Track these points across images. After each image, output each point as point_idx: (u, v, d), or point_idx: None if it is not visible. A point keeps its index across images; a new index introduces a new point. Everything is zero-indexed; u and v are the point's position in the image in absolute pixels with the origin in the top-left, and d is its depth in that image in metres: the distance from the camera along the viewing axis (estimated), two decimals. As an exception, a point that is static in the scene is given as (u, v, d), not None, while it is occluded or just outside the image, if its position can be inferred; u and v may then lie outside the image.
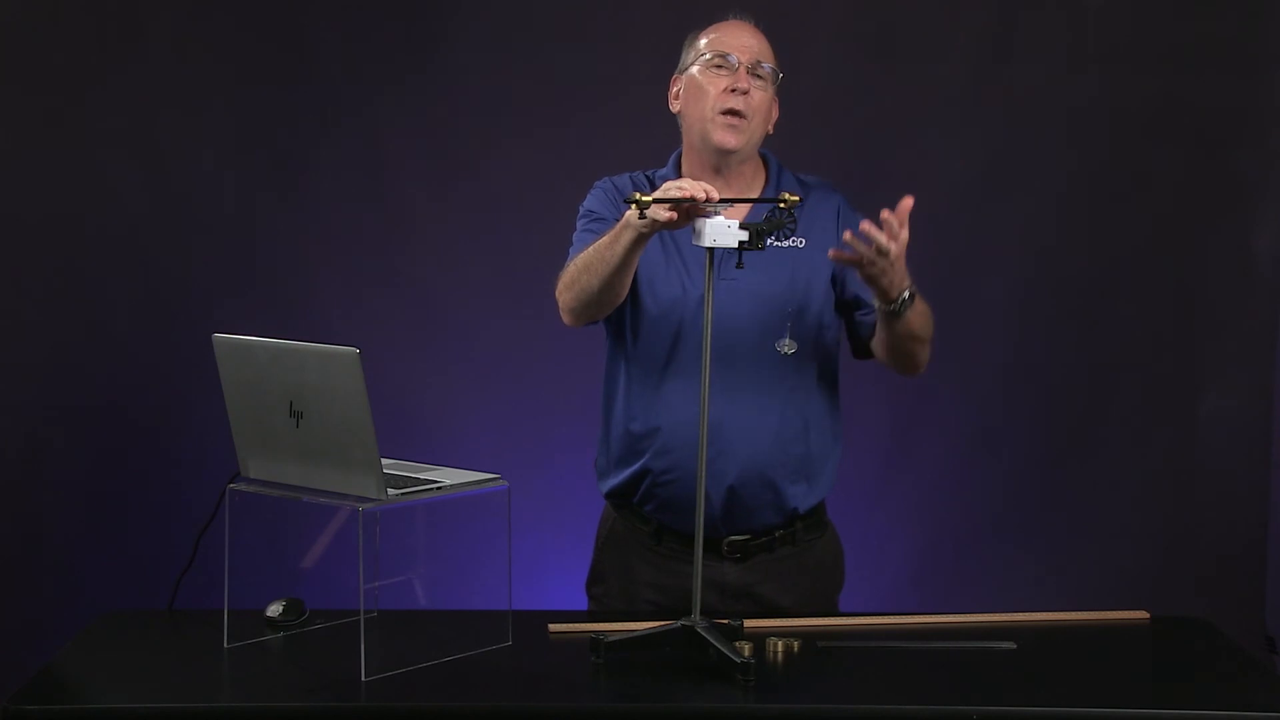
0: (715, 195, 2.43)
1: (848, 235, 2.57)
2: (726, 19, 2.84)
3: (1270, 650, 4.00)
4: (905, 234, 2.55)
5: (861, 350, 2.86)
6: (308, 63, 3.99)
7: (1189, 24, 4.01)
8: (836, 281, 2.80)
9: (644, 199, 2.41)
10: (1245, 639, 3.51)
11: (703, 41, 2.82)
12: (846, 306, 2.83)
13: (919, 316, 2.68)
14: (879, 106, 3.99)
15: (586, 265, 2.65)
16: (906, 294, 2.62)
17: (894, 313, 2.64)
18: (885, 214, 2.54)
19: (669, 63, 2.81)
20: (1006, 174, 4.05)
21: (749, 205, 2.67)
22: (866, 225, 2.54)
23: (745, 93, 2.75)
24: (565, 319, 2.76)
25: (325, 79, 3.99)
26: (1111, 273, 4.08)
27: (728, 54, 2.77)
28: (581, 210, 2.86)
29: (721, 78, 2.76)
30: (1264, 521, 4.09)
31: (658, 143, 2.91)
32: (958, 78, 4.03)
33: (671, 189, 2.45)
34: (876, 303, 2.67)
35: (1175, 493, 4.12)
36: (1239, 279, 4.08)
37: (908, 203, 2.54)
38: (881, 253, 2.52)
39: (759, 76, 2.77)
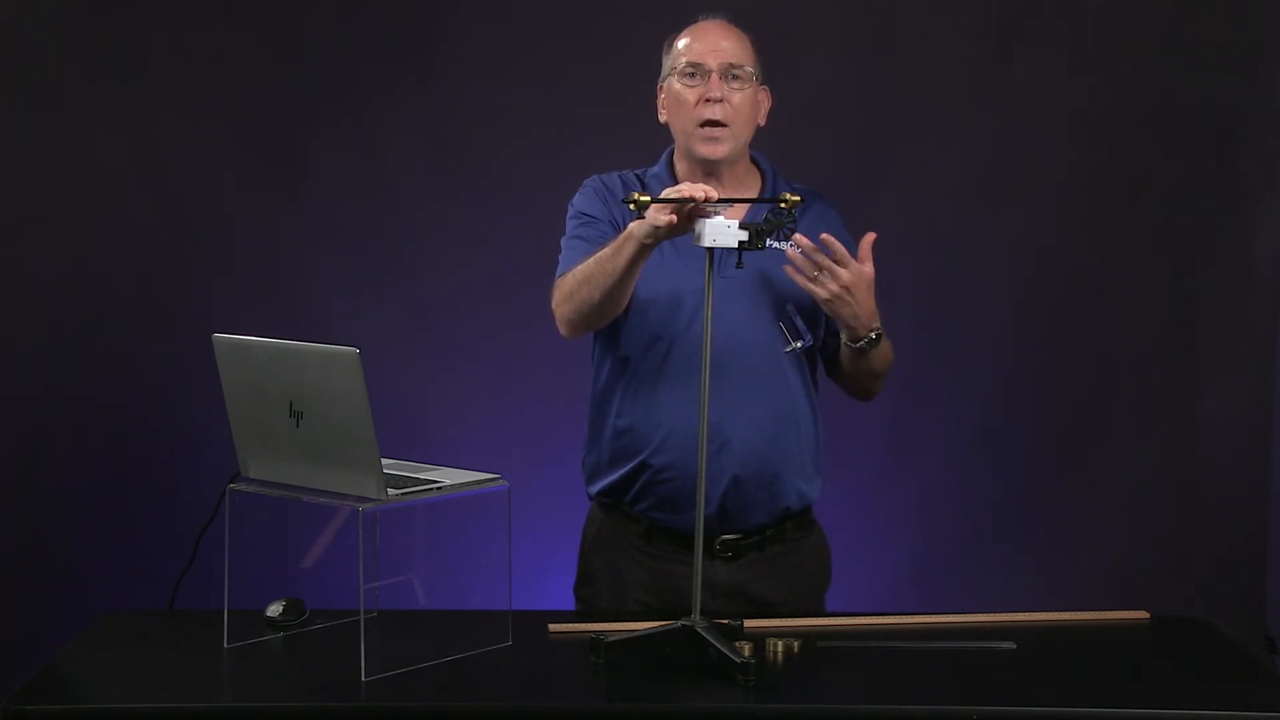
0: (715, 195, 2.42)
1: (825, 236, 2.59)
2: (698, 20, 2.77)
3: (1270, 650, 3.99)
4: (869, 268, 2.57)
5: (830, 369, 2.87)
6: (308, 63, 3.99)
7: (1189, 24, 4.01)
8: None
9: (643, 199, 2.40)
10: (1245, 639, 3.51)
11: (679, 46, 2.75)
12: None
13: (881, 357, 2.69)
14: (879, 106, 3.99)
15: (587, 278, 2.62)
16: (874, 334, 2.64)
17: (859, 350, 2.66)
18: (826, 237, 2.57)
19: (669, 63, 2.80)
20: (1006, 174, 4.05)
21: (747, 205, 2.66)
22: (826, 238, 2.57)
23: (720, 101, 2.69)
24: (562, 330, 2.74)
25: (325, 79, 3.99)
26: (1111, 273, 4.08)
27: (699, 62, 2.70)
28: (571, 210, 2.82)
29: (696, 88, 2.70)
30: (1264, 521, 4.08)
31: (659, 143, 2.90)
32: (958, 78, 4.03)
33: (670, 194, 2.44)
34: (842, 336, 2.68)
35: (1175, 493, 4.12)
36: (1239, 279, 4.07)
37: (870, 237, 2.55)
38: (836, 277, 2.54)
39: (736, 78, 2.70)
